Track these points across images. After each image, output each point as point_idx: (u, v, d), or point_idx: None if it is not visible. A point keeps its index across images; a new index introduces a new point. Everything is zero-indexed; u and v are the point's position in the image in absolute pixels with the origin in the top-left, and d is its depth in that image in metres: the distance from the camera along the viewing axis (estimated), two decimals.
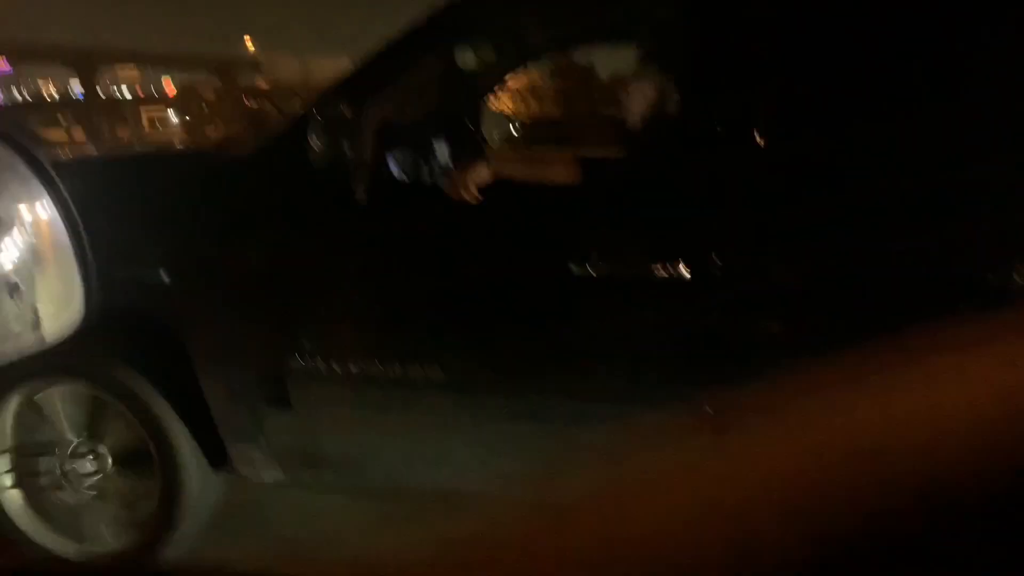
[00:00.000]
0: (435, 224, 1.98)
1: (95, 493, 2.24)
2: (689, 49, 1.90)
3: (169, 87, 62.54)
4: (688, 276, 1.77)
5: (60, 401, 2.21)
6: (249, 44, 71.49)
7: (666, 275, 1.79)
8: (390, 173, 2.11)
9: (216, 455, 2.20)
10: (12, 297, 1.18)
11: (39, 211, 1.19)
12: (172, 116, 52.81)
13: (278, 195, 2.05)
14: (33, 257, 1.25)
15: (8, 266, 1.19)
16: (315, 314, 2.03)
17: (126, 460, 2.22)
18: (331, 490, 2.32)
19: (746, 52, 1.82)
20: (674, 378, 1.87)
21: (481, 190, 1.93)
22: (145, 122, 52.15)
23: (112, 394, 2.14)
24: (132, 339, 2.12)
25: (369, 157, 1.99)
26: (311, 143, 1.94)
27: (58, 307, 1.20)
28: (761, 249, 1.78)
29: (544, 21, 2.36)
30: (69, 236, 1.16)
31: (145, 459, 2.19)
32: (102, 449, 2.22)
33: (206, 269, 2.04)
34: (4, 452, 2.25)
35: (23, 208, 1.24)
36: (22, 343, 1.14)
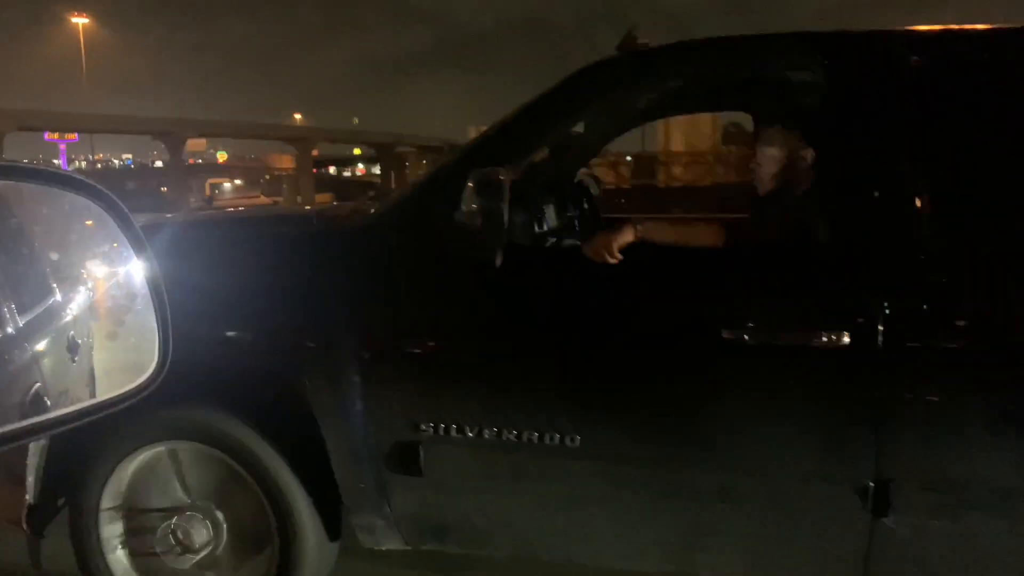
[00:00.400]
0: (577, 287, 1.95)
1: (205, 561, 2.17)
2: (841, 121, 1.90)
3: None
4: (848, 343, 1.74)
5: (179, 463, 2.16)
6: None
7: (825, 342, 1.75)
8: (530, 236, 2.09)
9: (334, 525, 2.13)
10: (72, 355, 1.28)
11: (122, 272, 1.24)
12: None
13: (412, 261, 2.04)
14: (97, 317, 1.35)
15: (72, 326, 1.29)
16: (449, 380, 1.99)
17: (243, 529, 2.16)
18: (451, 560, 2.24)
19: (900, 129, 1.84)
20: (832, 451, 1.81)
21: (624, 253, 1.91)
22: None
23: (235, 459, 2.09)
24: (259, 404, 2.09)
25: (507, 220, 1.97)
26: (440, 209, 1.94)
27: (119, 369, 1.24)
28: (923, 315, 1.75)
29: (679, 88, 2.38)
30: (153, 300, 1.18)
31: (262, 528, 2.13)
32: (219, 515, 2.16)
33: (338, 335, 2.00)
34: (117, 510, 2.19)
35: (107, 268, 1.31)
36: (76, 400, 1.19)
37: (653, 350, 1.88)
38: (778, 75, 2.12)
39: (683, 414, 1.89)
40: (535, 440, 1.93)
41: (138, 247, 1.17)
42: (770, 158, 2.24)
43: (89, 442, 2.16)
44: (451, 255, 1.97)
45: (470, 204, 1.81)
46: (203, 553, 2.16)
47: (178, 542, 2.17)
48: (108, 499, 2.18)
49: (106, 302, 1.33)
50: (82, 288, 1.34)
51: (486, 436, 1.95)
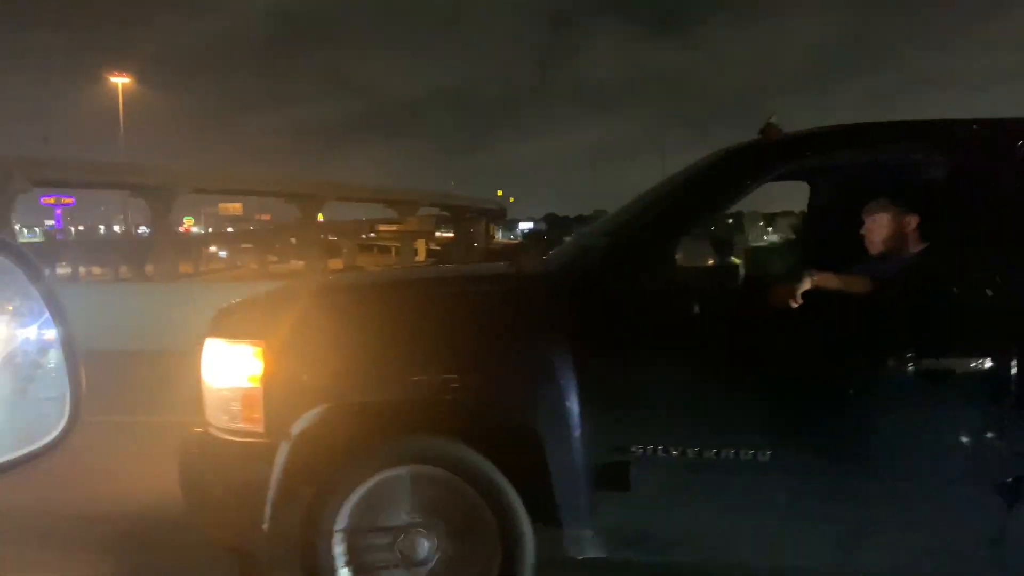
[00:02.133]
0: (765, 327, 2.38)
1: (425, 574, 2.46)
2: (965, 195, 2.41)
3: None
4: (990, 367, 2.22)
5: (410, 485, 2.46)
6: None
7: (972, 367, 2.23)
8: (717, 288, 2.48)
9: (547, 538, 2.46)
10: None
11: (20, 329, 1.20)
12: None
13: (609, 307, 2.43)
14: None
15: None
16: (658, 407, 2.37)
17: (463, 543, 2.45)
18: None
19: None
20: (977, 455, 2.26)
21: (803, 297, 2.34)
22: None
23: (468, 481, 2.40)
24: (491, 435, 2.42)
25: (694, 275, 2.39)
26: (641, 266, 2.36)
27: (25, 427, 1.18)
28: None
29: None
30: (65, 356, 1.16)
31: (482, 542, 2.43)
32: (441, 531, 2.45)
33: (560, 376, 2.36)
34: (347, 530, 2.46)
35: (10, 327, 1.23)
36: None
37: (834, 377, 2.32)
38: (905, 156, 2.63)
39: (856, 430, 2.32)
40: (731, 456, 2.32)
41: (49, 303, 1.15)
42: (881, 225, 2.75)
43: (324, 468, 2.44)
44: (655, 305, 2.38)
45: (697, 259, 2.24)
46: (425, 567, 2.46)
47: (403, 557, 2.46)
48: (342, 520, 2.46)
49: (16, 358, 1.24)
50: None
51: (688, 455, 2.34)
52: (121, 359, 7.07)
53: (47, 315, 1.14)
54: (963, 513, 2.31)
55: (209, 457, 2.59)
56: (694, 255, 2.31)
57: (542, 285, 2.59)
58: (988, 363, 2.26)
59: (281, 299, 2.82)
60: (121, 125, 62.05)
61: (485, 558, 2.44)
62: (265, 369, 2.45)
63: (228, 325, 2.65)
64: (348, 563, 2.49)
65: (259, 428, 2.47)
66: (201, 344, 2.68)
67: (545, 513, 2.42)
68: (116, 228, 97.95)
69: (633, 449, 2.36)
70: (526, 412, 2.39)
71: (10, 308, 1.20)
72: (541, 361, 2.39)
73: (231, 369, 2.54)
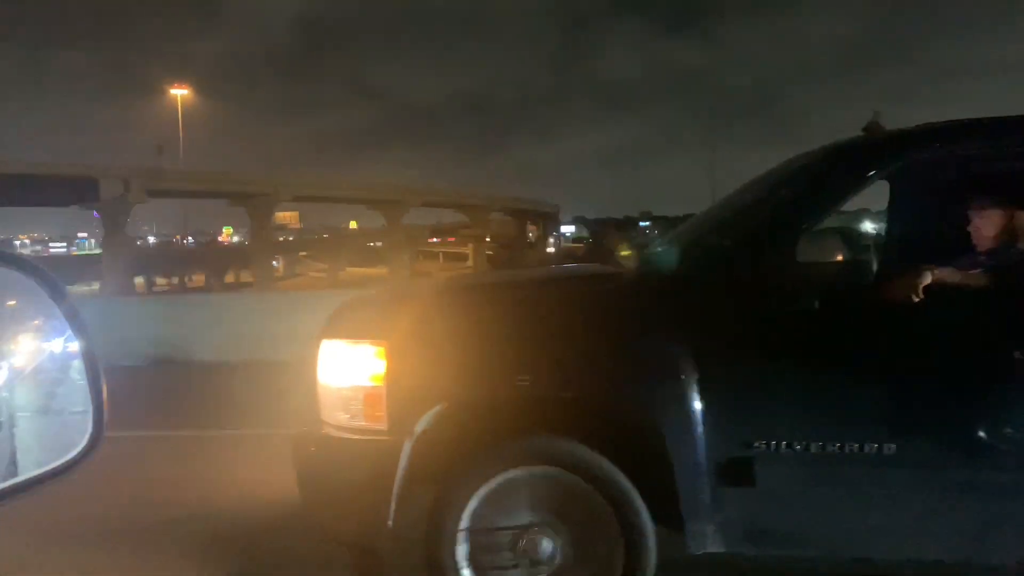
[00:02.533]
0: (884, 323, 2.39)
1: (548, 573, 2.48)
2: None
3: None
4: None
5: (530, 486, 2.49)
6: None
7: None
8: (845, 282, 2.48)
9: (668, 534, 2.47)
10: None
11: (55, 346, 1.21)
12: None
13: (731, 304, 2.45)
14: (23, 392, 1.24)
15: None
16: (781, 405, 2.39)
17: (583, 542, 2.48)
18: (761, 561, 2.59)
19: None
20: None
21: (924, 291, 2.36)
22: None
23: (588, 481, 2.43)
24: (611, 435, 2.44)
25: (807, 271, 2.40)
26: (769, 262, 2.39)
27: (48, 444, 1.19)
28: None
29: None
30: (87, 372, 1.16)
31: (602, 540, 2.45)
32: (563, 530, 2.48)
33: (682, 374, 2.38)
34: (470, 530, 2.49)
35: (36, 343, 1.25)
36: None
37: (959, 370, 2.33)
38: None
39: (983, 422, 2.32)
40: (855, 451, 2.33)
41: (72, 320, 1.15)
42: (990, 221, 2.75)
43: (447, 467, 2.48)
44: (778, 300, 2.40)
45: (821, 255, 2.26)
46: (547, 567, 2.48)
47: (525, 558, 2.48)
48: (465, 520, 2.49)
49: (37, 376, 1.27)
50: (3, 365, 1.25)
51: (812, 450, 2.35)
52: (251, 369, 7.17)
53: (69, 331, 1.14)
54: None
55: (331, 456, 2.65)
56: (817, 250, 2.33)
57: (658, 284, 2.62)
58: None
59: (401, 300, 2.87)
60: (180, 136, 63.53)
61: (607, 558, 2.46)
62: (388, 368, 2.50)
63: (347, 326, 2.71)
64: (470, 563, 2.51)
65: (382, 426, 2.51)
66: (316, 346, 2.75)
67: (667, 510, 2.43)
68: (151, 239, 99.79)
69: (756, 444, 2.37)
70: (649, 410, 2.41)
71: (35, 323, 1.22)
72: (662, 359, 2.41)
73: (352, 369, 2.60)
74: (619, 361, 2.46)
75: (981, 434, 2.33)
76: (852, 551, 2.48)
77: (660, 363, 2.41)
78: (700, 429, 2.38)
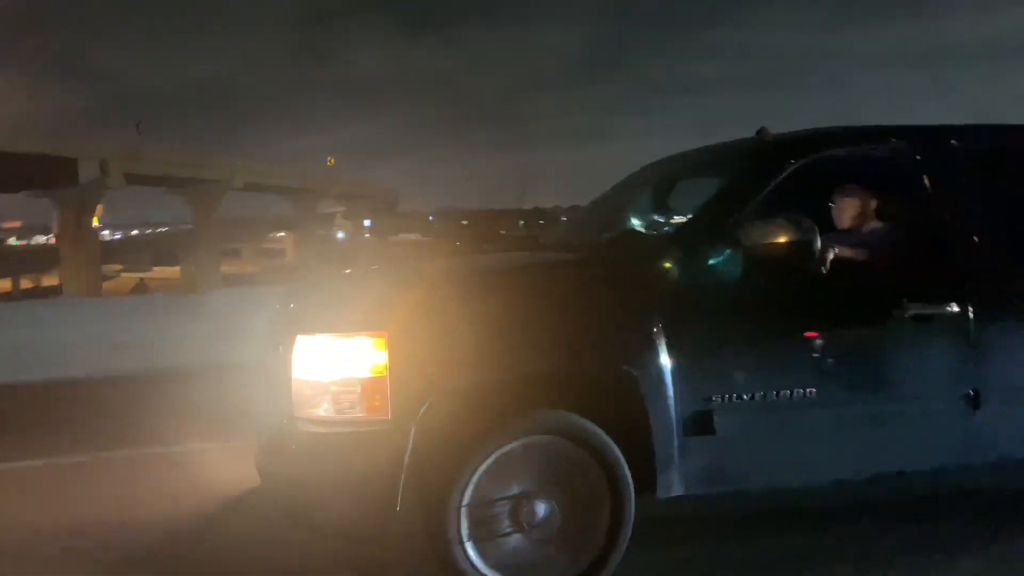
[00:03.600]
0: (800, 291, 2.92)
1: (545, 536, 2.71)
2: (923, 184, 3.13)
3: None
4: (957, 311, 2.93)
5: (524, 456, 2.68)
6: None
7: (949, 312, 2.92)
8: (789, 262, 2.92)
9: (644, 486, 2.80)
10: None
11: None
12: None
13: (689, 284, 2.84)
14: None
15: None
16: (733, 364, 2.82)
17: (576, 503, 2.73)
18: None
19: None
20: (954, 378, 2.96)
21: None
22: None
23: (580, 446, 2.69)
24: (599, 404, 2.72)
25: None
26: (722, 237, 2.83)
27: None
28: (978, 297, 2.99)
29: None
30: None
31: (594, 499, 2.73)
32: (557, 494, 2.71)
33: (654, 341, 2.73)
34: (466, 506, 2.63)
35: None
36: None
37: (856, 327, 2.92)
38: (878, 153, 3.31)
39: (877, 367, 2.94)
40: (789, 397, 2.84)
41: None
42: (849, 204, 3.43)
43: (450, 447, 2.60)
44: (760, 276, 2.81)
45: (770, 236, 2.71)
46: (544, 528, 2.70)
47: (523, 523, 2.68)
48: (468, 496, 2.63)
49: None
50: None
51: (765, 398, 2.82)
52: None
53: None
54: (945, 417, 3.01)
55: (319, 452, 2.65)
56: (759, 234, 2.79)
57: (630, 269, 2.93)
58: (954, 307, 2.97)
59: (394, 290, 2.89)
60: None
61: (596, 516, 2.73)
62: (390, 358, 2.56)
63: (334, 319, 2.72)
64: (472, 536, 2.66)
65: (386, 416, 2.57)
66: (287, 343, 2.72)
67: (643, 464, 2.76)
68: None
69: (714, 398, 2.78)
70: (631, 378, 2.72)
71: None
72: (637, 335, 2.74)
73: (344, 362, 2.62)
74: (604, 338, 2.75)
75: (876, 376, 2.96)
76: (791, 482, 3.00)
77: (636, 338, 2.74)
78: (671, 391, 2.75)
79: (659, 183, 4.01)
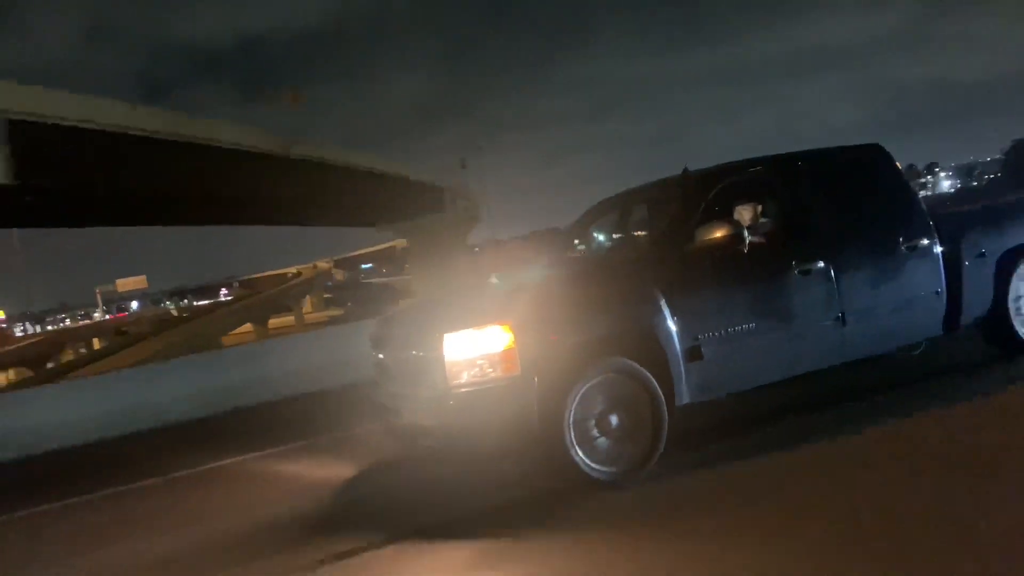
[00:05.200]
0: (737, 263, 4.73)
1: (616, 438, 4.30)
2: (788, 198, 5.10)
3: None
4: (822, 267, 4.88)
5: (601, 389, 4.28)
6: None
7: (816, 268, 4.86)
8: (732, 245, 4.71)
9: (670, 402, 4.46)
10: None
11: None
12: None
13: (673, 267, 4.59)
14: None
15: None
16: (708, 313, 4.57)
17: (632, 416, 4.34)
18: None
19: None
20: (829, 306, 4.91)
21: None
22: None
23: (627, 376, 4.33)
24: (643, 351, 4.38)
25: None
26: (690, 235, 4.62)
27: None
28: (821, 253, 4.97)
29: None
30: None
31: (643, 413, 4.34)
32: (619, 407, 4.32)
33: (660, 305, 4.44)
34: (570, 422, 4.18)
35: None
36: None
37: (768, 281, 4.78)
38: (761, 178, 5.24)
39: (784, 304, 4.80)
40: (738, 330, 4.62)
41: None
42: (745, 210, 5.34)
43: (559, 386, 4.15)
44: (712, 258, 4.59)
45: (716, 233, 4.52)
46: (615, 434, 4.30)
47: (603, 431, 4.27)
48: (572, 415, 4.18)
49: None
50: None
51: (727, 333, 4.58)
52: None
53: None
54: (829, 331, 4.91)
55: (471, 402, 4.12)
56: (708, 232, 4.59)
57: (637, 264, 4.66)
58: (821, 264, 4.90)
59: (509, 292, 4.46)
60: None
61: (644, 426, 4.34)
62: (515, 336, 4.11)
63: (468, 319, 4.23)
64: (576, 440, 4.20)
65: (516, 372, 4.10)
66: (437, 341, 4.21)
67: (665, 385, 4.43)
68: None
69: (700, 336, 4.51)
70: (651, 330, 4.41)
71: None
72: (654, 300, 4.44)
73: (483, 344, 4.12)
74: (633, 309, 4.43)
75: (785, 310, 4.82)
76: (760, 381, 4.78)
77: (649, 305, 4.44)
78: (674, 334, 4.46)
79: (620, 211, 5.85)
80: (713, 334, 4.56)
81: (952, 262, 5.32)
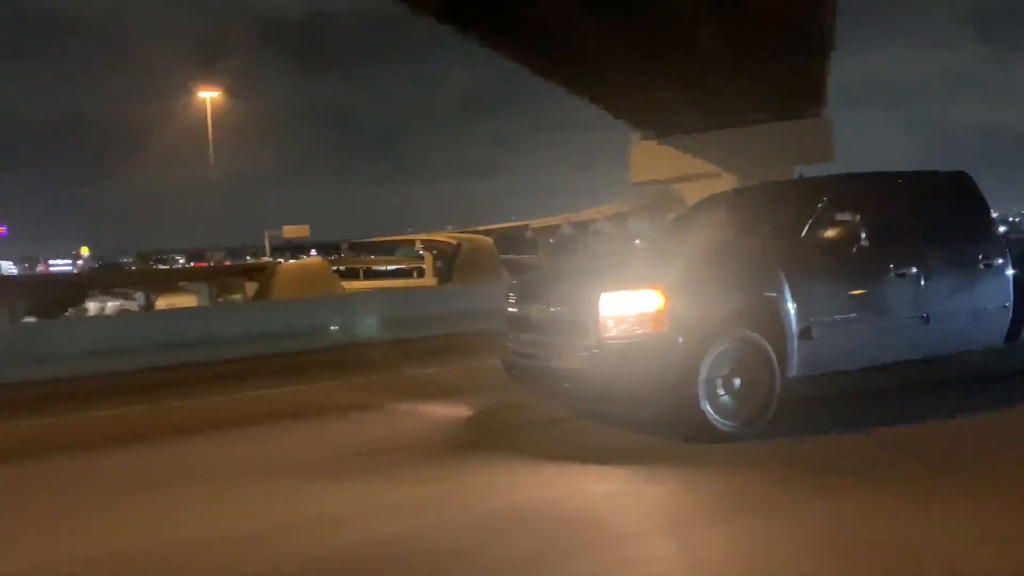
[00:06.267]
0: (848, 260, 5.45)
1: (737, 396, 5.02)
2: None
3: None
4: (915, 272, 5.61)
5: (728, 353, 5.00)
6: None
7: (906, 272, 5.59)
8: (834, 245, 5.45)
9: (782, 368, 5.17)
10: None
11: None
12: None
13: (794, 256, 5.30)
14: None
15: None
16: (819, 299, 5.28)
17: (752, 377, 5.06)
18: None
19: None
20: (916, 306, 5.63)
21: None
22: None
23: (751, 346, 5.04)
24: (762, 322, 5.09)
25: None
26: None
27: None
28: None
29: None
30: None
31: (761, 377, 5.06)
32: (741, 371, 5.03)
33: (781, 288, 5.15)
34: (703, 380, 4.89)
35: None
36: None
37: (871, 279, 5.51)
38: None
39: (881, 301, 5.52)
40: (843, 318, 5.35)
41: None
42: (850, 219, 6.06)
43: (697, 345, 4.86)
44: (826, 253, 5.32)
45: (832, 232, 5.24)
46: (737, 393, 5.01)
47: (728, 389, 4.99)
48: (704, 374, 4.90)
49: None
50: None
51: (834, 319, 5.30)
52: None
53: None
54: (914, 328, 5.64)
55: (616, 352, 4.84)
56: (826, 231, 5.31)
57: (766, 252, 5.36)
58: (914, 269, 5.63)
59: (661, 261, 5.17)
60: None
61: (761, 382, 5.07)
62: (666, 300, 4.82)
63: (624, 282, 4.96)
64: (706, 396, 4.92)
65: (664, 330, 4.81)
66: (594, 298, 4.92)
67: (780, 358, 5.15)
68: None
69: (812, 319, 5.23)
70: (776, 310, 5.12)
71: None
72: (776, 284, 5.15)
73: (637, 304, 4.84)
74: (760, 287, 5.15)
75: (881, 305, 5.54)
76: (846, 366, 5.50)
77: (774, 286, 5.15)
78: (792, 314, 5.17)
79: (730, 204, 6.63)
80: (822, 318, 5.28)
81: (1019, 282, 6.05)
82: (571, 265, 6.84)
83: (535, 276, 7.16)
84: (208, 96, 40.27)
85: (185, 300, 22.83)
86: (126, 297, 24.83)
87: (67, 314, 20.83)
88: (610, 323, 4.89)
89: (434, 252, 32.14)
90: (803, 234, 5.41)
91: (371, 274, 32.27)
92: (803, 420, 5.39)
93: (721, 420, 4.95)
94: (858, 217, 5.97)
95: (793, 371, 5.23)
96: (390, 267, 34.38)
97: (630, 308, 4.88)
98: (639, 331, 4.86)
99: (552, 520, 3.77)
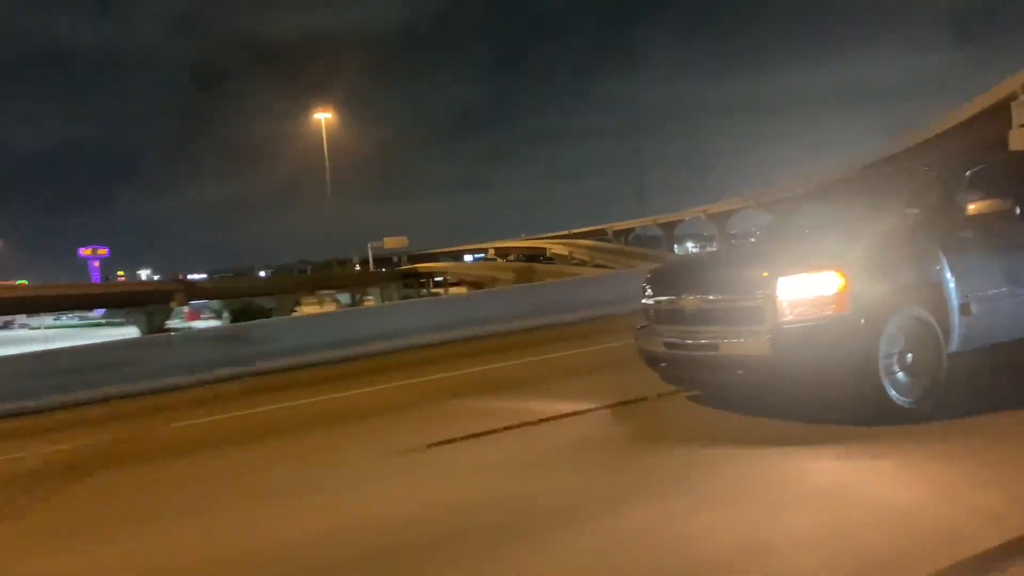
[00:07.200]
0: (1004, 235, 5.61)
1: (913, 371, 5.16)
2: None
3: None
4: None
5: (901, 330, 5.13)
6: None
7: None
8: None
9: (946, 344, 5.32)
10: None
11: None
12: None
13: (948, 236, 5.46)
14: None
15: None
16: (977, 275, 5.43)
17: (923, 352, 5.19)
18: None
19: None
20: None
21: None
22: None
23: (920, 322, 5.19)
24: (929, 300, 5.23)
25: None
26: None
27: None
28: None
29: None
30: None
31: (930, 350, 5.21)
32: (912, 349, 5.18)
33: (943, 267, 5.31)
34: (884, 355, 5.03)
35: None
36: None
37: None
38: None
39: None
40: (997, 293, 5.51)
41: None
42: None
43: (875, 323, 5.00)
44: (978, 229, 5.47)
45: (984, 206, 5.40)
46: (911, 367, 5.16)
47: (903, 365, 5.13)
48: (883, 347, 5.03)
49: None
50: None
51: (988, 293, 5.46)
52: None
53: None
54: None
55: (798, 335, 4.97)
56: (980, 205, 5.47)
57: (927, 231, 5.47)
58: None
59: (839, 244, 5.32)
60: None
61: (930, 358, 5.20)
62: (847, 282, 4.95)
63: (802, 265, 5.08)
64: (883, 372, 5.04)
65: (847, 312, 4.94)
66: (771, 283, 5.05)
67: (944, 333, 5.30)
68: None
69: (969, 295, 5.38)
70: (940, 286, 5.27)
71: None
72: (939, 263, 5.29)
73: (817, 287, 4.97)
74: (926, 266, 5.29)
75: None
76: (1001, 339, 5.63)
77: (937, 265, 5.30)
78: (953, 290, 5.33)
79: (860, 185, 6.78)
80: (979, 293, 5.42)
81: None
82: (717, 253, 7.16)
83: (675, 266, 7.24)
84: (323, 117, 43.45)
85: (328, 305, 27.55)
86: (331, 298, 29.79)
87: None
88: (787, 307, 5.02)
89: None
90: (956, 211, 5.56)
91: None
92: (971, 395, 5.53)
93: (900, 397, 5.08)
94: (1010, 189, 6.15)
95: (954, 346, 5.38)
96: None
97: (809, 291, 5.01)
98: (820, 313, 4.98)
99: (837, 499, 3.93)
